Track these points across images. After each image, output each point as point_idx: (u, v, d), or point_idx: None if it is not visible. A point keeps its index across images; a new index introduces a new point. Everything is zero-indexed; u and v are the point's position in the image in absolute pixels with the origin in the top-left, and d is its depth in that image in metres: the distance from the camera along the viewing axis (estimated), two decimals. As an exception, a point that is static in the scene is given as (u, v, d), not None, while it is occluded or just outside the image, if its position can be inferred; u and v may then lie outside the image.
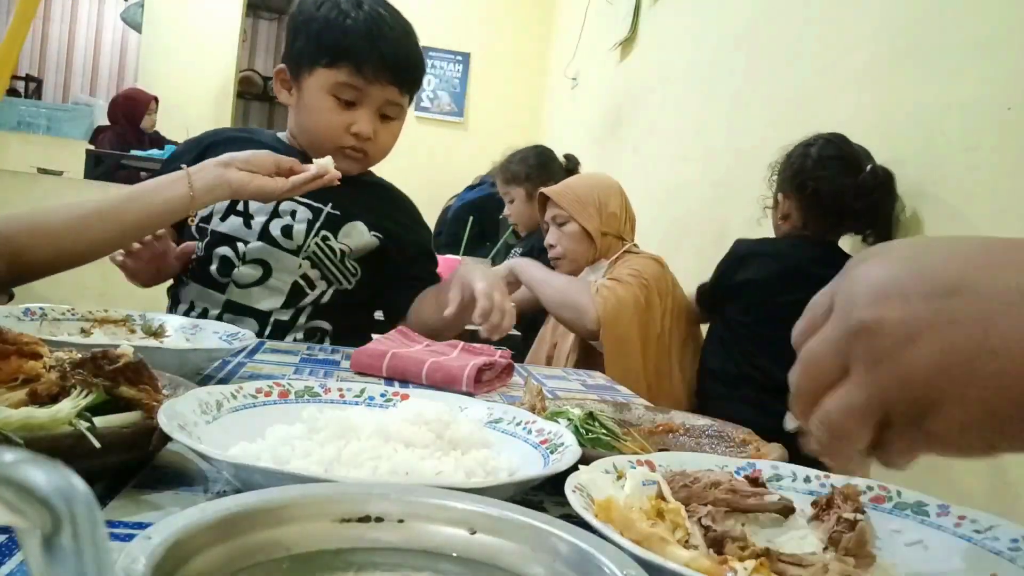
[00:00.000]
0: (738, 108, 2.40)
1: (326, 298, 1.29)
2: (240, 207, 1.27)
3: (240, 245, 1.25)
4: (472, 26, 5.27)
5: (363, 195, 1.34)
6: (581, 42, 4.28)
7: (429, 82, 5.19)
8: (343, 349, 1.16)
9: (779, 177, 1.70)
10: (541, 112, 5.23)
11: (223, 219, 1.26)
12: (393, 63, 1.24)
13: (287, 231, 1.26)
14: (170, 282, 1.35)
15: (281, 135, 1.38)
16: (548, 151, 2.68)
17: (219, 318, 1.23)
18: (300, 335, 1.28)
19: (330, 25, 1.23)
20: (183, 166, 1.04)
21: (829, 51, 1.92)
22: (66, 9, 7.42)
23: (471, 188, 3.78)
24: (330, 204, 1.29)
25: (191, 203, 1.02)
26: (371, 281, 1.33)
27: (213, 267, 1.25)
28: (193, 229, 1.28)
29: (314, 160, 1.11)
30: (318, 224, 1.27)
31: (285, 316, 1.26)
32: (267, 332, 1.25)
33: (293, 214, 1.27)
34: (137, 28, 5.55)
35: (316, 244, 1.26)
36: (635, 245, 1.95)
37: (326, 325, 1.30)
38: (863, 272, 0.38)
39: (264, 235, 1.25)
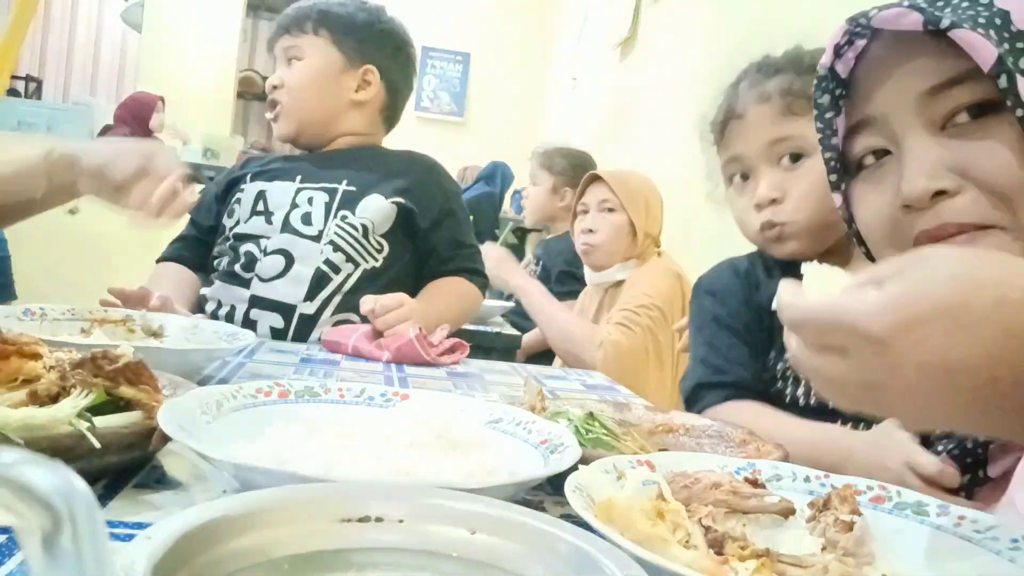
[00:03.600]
0: (738, 108, 2.40)
1: (351, 282, 1.27)
2: (260, 207, 1.30)
3: (263, 241, 1.27)
4: (472, 26, 5.27)
5: (379, 166, 1.35)
6: (581, 42, 4.28)
7: (429, 82, 5.19)
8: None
9: None
10: (541, 112, 5.23)
11: (246, 221, 1.30)
12: (283, 18, 1.38)
13: (307, 219, 1.27)
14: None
15: None
16: (591, 162, 2.62)
17: (246, 314, 1.23)
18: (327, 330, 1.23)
19: None
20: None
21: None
22: (66, 9, 7.42)
23: (466, 188, 3.78)
24: (344, 181, 1.30)
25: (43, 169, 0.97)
26: (400, 257, 1.32)
27: (238, 264, 1.27)
28: (217, 241, 1.34)
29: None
30: (335, 205, 1.28)
31: (310, 309, 1.24)
32: (292, 329, 1.23)
33: (310, 201, 1.29)
34: (137, 28, 5.55)
35: (336, 226, 1.27)
36: (663, 252, 1.94)
37: (354, 318, 1.24)
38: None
39: (285, 227, 1.27)
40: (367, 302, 1.16)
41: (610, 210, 1.89)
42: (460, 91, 5.38)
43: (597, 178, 1.93)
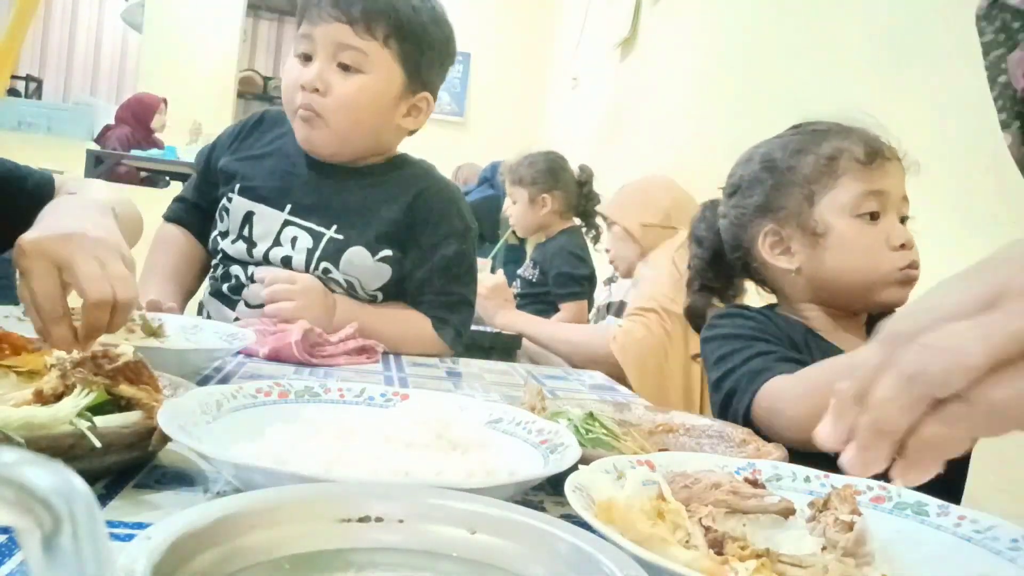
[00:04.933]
0: (738, 108, 2.40)
1: None
2: (246, 232, 1.20)
3: (249, 267, 1.20)
4: (472, 26, 5.26)
5: (379, 194, 1.20)
6: (581, 42, 4.28)
7: (429, 82, 5.20)
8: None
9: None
10: (541, 112, 5.23)
11: (233, 241, 1.21)
12: None
13: (287, 262, 1.17)
14: (201, 294, 1.32)
15: None
16: (560, 159, 2.66)
17: None
18: None
19: None
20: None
21: (829, 51, 1.92)
22: (66, 9, 7.42)
23: (467, 191, 3.78)
24: (334, 227, 1.17)
25: None
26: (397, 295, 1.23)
27: (227, 285, 1.21)
28: (211, 240, 1.25)
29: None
30: (317, 254, 1.17)
31: None
32: None
33: (294, 242, 1.18)
34: (137, 28, 5.56)
35: (318, 277, 1.16)
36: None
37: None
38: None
39: (267, 261, 1.19)
40: (261, 271, 1.10)
41: (611, 225, 2.04)
42: (460, 91, 5.38)
43: None
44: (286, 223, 1.19)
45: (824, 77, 1.93)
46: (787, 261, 1.01)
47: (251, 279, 1.19)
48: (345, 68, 1.13)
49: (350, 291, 1.18)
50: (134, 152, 4.32)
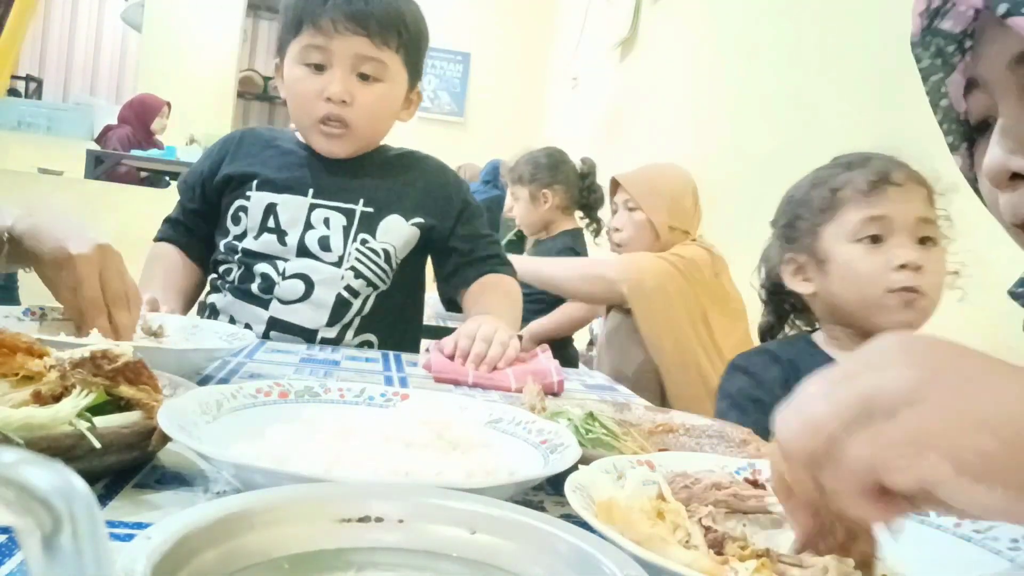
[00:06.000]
0: (738, 108, 2.40)
1: (369, 305, 1.23)
2: (271, 223, 1.21)
3: (280, 263, 1.20)
4: (472, 26, 5.27)
5: (390, 175, 1.27)
6: (581, 42, 4.29)
7: (429, 82, 5.20)
8: (344, 350, 1.16)
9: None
10: (541, 112, 5.23)
11: (256, 237, 1.22)
12: (355, 9, 1.15)
13: (324, 243, 1.20)
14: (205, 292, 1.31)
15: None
16: (560, 153, 2.65)
17: (265, 335, 1.19)
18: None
19: None
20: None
21: (829, 51, 1.92)
22: (66, 9, 7.42)
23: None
24: (361, 201, 1.23)
25: None
26: (409, 273, 1.27)
27: (255, 284, 1.20)
28: (221, 246, 1.25)
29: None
30: (354, 228, 1.22)
31: (331, 333, 1.20)
32: None
33: (327, 222, 1.21)
34: (137, 28, 5.56)
35: (357, 251, 1.21)
36: (699, 237, 1.95)
37: (372, 338, 1.24)
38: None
39: (302, 250, 1.20)
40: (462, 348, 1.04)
41: (632, 209, 1.94)
42: (460, 91, 5.38)
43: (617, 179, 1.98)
44: (312, 207, 1.22)
45: (823, 77, 1.93)
46: (805, 287, 1.11)
47: (283, 275, 1.20)
48: (364, 77, 1.19)
49: (385, 259, 1.23)
50: (134, 152, 4.32)
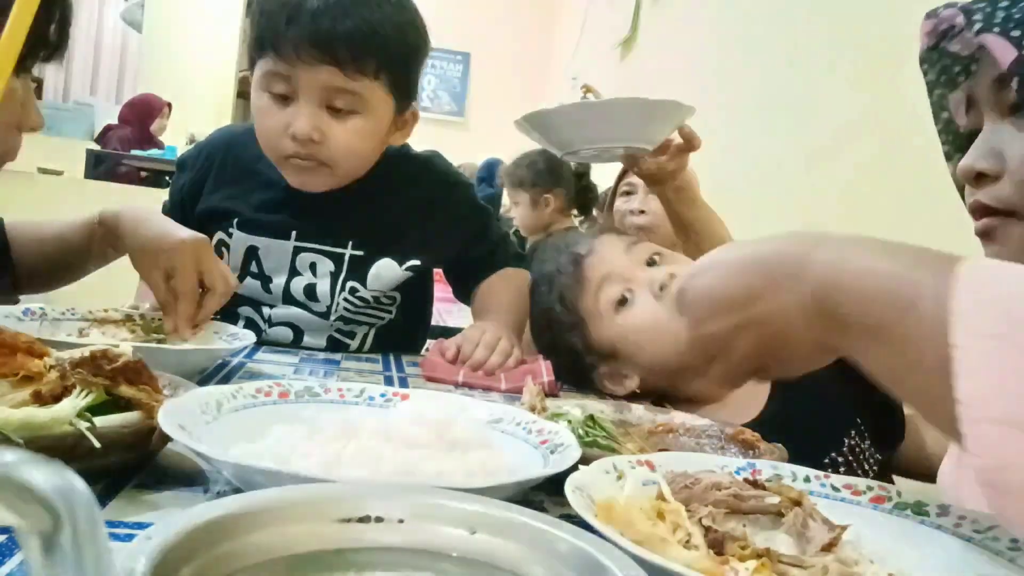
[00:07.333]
0: (738, 107, 2.40)
1: (368, 343, 1.17)
2: (254, 268, 1.12)
3: (265, 309, 1.13)
4: (472, 26, 5.27)
5: (386, 211, 1.15)
6: (581, 42, 4.29)
7: (429, 82, 5.20)
8: (342, 353, 1.16)
9: None
10: (541, 112, 5.23)
11: (240, 279, 1.09)
12: (320, 35, 0.96)
13: (311, 291, 1.12)
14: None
15: None
16: (552, 154, 2.64)
17: None
18: None
19: (261, 9, 1.03)
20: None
21: (829, 51, 1.92)
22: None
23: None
24: (350, 244, 1.12)
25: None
26: (412, 295, 1.20)
27: (240, 325, 1.09)
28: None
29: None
30: (342, 276, 1.12)
31: None
32: None
33: (313, 268, 1.12)
34: (137, 28, 5.56)
35: (345, 300, 1.12)
36: None
37: (376, 356, 1.17)
38: None
39: (287, 298, 1.12)
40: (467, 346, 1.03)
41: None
42: (460, 91, 5.39)
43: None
44: (297, 250, 1.12)
45: (823, 77, 1.93)
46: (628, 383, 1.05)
47: (269, 322, 1.13)
48: (336, 111, 1.02)
49: (376, 302, 1.15)
50: (134, 152, 4.32)
